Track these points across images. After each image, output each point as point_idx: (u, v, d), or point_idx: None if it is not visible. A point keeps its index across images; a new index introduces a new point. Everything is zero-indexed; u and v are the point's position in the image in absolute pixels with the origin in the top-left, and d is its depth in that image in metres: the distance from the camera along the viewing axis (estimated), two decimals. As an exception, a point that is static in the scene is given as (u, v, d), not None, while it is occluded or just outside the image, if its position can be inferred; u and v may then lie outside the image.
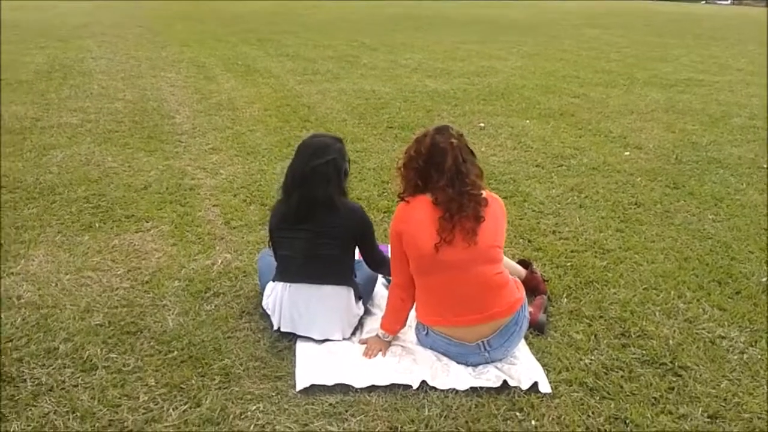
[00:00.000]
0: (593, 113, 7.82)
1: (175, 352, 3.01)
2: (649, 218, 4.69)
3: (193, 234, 4.29)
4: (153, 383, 2.80)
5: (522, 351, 3.02)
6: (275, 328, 3.14)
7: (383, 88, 9.01)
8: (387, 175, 5.46)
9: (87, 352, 3.01)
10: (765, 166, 5.90)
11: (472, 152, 2.96)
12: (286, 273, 3.12)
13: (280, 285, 3.13)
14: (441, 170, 2.86)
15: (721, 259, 4.05)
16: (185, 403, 2.68)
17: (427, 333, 2.99)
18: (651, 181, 5.47)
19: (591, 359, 3.02)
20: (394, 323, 3.08)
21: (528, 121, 7.36)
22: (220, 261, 3.90)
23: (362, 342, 3.12)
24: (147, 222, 4.45)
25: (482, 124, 7.20)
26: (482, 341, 2.89)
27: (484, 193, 2.93)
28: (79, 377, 2.84)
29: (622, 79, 10.04)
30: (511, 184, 5.31)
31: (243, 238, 4.24)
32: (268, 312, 3.20)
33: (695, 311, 3.45)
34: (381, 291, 3.49)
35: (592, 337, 3.20)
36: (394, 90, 8.95)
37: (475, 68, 10.87)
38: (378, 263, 3.31)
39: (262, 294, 3.32)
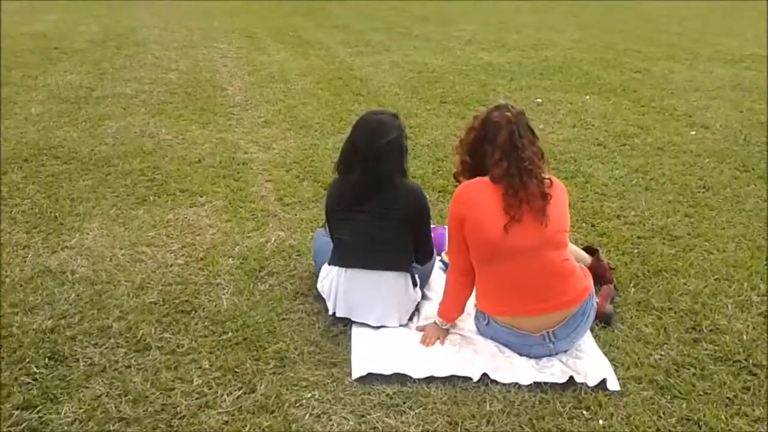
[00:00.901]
0: (656, 89, 7.49)
1: (230, 334, 2.95)
2: (719, 203, 4.45)
3: (247, 210, 4.21)
4: (207, 366, 2.75)
5: (588, 344, 2.88)
6: (330, 312, 3.05)
7: (436, 61, 8.80)
8: (442, 152, 5.31)
9: (141, 331, 2.96)
10: (841, 149, 5.56)
11: (532, 131, 2.81)
12: (344, 257, 3.01)
13: (335, 269, 3.03)
14: (494, 144, 2.73)
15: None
16: (239, 389, 2.62)
17: (488, 323, 2.87)
18: (719, 163, 5.20)
19: (661, 354, 2.86)
20: (452, 311, 2.95)
21: (588, 97, 7.09)
22: (273, 239, 3.83)
23: (419, 329, 3.01)
24: (201, 197, 4.40)
25: (539, 100, 6.96)
26: (547, 332, 2.75)
27: (546, 174, 2.78)
28: (132, 358, 2.80)
29: (685, 54, 9.62)
30: (572, 164, 5.11)
31: (296, 215, 4.15)
32: (323, 295, 3.11)
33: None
34: (438, 275, 3.36)
35: (662, 330, 3.03)
36: (447, 63, 8.73)
37: (530, 41, 10.54)
38: (427, 256, 3.18)
39: (316, 276, 3.23)
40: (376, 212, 2.94)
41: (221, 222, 4.04)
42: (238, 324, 3.01)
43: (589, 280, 2.92)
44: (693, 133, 5.98)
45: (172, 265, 3.53)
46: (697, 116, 6.48)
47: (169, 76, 7.83)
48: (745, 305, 3.24)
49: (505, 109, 2.77)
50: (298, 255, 3.65)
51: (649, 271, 3.54)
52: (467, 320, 3.01)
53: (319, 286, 3.14)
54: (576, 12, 14.67)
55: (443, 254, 3.50)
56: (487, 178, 2.77)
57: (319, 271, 3.20)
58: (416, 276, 3.09)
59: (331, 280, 3.03)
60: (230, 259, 3.59)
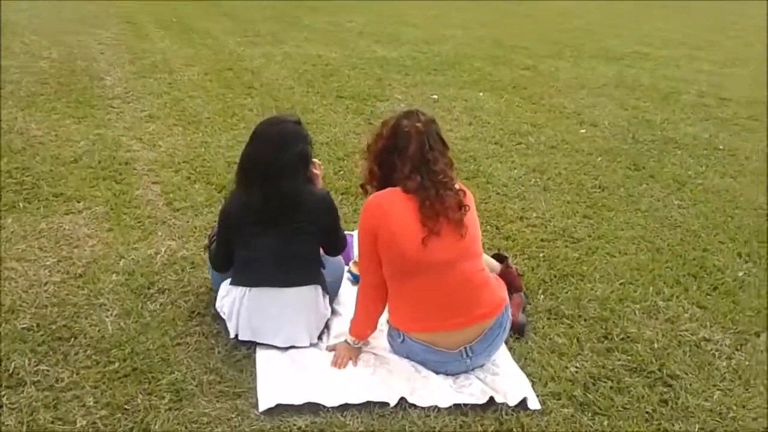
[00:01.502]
0: (545, 87, 7.58)
1: (117, 364, 2.61)
2: (614, 203, 4.48)
3: (132, 217, 3.83)
4: (92, 403, 2.41)
5: (504, 358, 2.76)
6: (232, 335, 2.77)
7: (330, 54, 8.55)
8: (342, 150, 5.10)
9: (13, 363, 2.58)
10: (721, 147, 5.79)
11: (443, 141, 2.66)
12: (248, 276, 2.74)
13: (238, 289, 2.75)
14: (403, 157, 2.57)
15: (693, 250, 3.87)
16: (130, 429, 2.31)
17: (403, 340, 2.69)
18: (611, 162, 5.28)
19: (576, 367, 2.78)
20: (364, 328, 2.75)
21: (481, 94, 7.07)
22: (163, 250, 3.49)
23: (330, 349, 2.79)
24: (78, 202, 3.97)
25: (435, 96, 6.87)
26: (465, 347, 2.60)
27: (457, 185, 2.64)
28: (4, 396, 2.43)
29: (570, 51, 9.84)
30: (471, 163, 5.03)
31: (188, 222, 3.82)
32: (223, 316, 2.82)
33: (676, 310, 3.25)
34: (347, 288, 3.16)
35: (575, 340, 2.96)
36: (342, 56, 8.50)
37: (423, 35, 10.46)
38: (339, 249, 3.00)
39: (215, 292, 2.94)
40: (286, 229, 2.69)
41: (102, 231, 3.64)
42: (126, 352, 2.68)
43: (504, 291, 2.80)
44: (583, 131, 6.06)
45: (46, 284, 3.12)
46: (585, 114, 6.59)
47: (40, 64, 7.16)
48: (652, 311, 3.23)
49: (415, 118, 2.60)
50: (192, 268, 3.33)
51: (555, 276, 3.49)
52: (380, 337, 2.82)
53: (218, 305, 2.86)
54: (468, 7, 14.76)
55: (351, 264, 3.30)
56: (398, 189, 2.58)
57: (218, 289, 2.91)
58: (326, 288, 2.87)
59: (233, 300, 2.75)
60: (114, 275, 3.22)
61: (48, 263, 3.30)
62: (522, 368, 2.74)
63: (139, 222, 3.77)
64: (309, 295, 2.78)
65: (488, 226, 4.00)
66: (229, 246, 2.81)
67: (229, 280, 2.84)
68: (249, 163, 2.74)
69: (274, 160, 2.66)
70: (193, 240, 3.60)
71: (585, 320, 3.12)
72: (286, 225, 2.69)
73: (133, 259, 3.37)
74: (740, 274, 3.62)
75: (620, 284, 3.45)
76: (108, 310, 2.94)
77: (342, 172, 4.66)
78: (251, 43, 8.99)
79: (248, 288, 2.73)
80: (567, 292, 3.34)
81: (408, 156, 2.55)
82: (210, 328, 2.86)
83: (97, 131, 5.21)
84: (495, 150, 5.39)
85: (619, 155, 5.44)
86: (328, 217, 2.81)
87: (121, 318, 2.90)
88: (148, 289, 3.13)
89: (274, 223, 2.69)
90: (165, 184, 4.31)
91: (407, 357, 2.70)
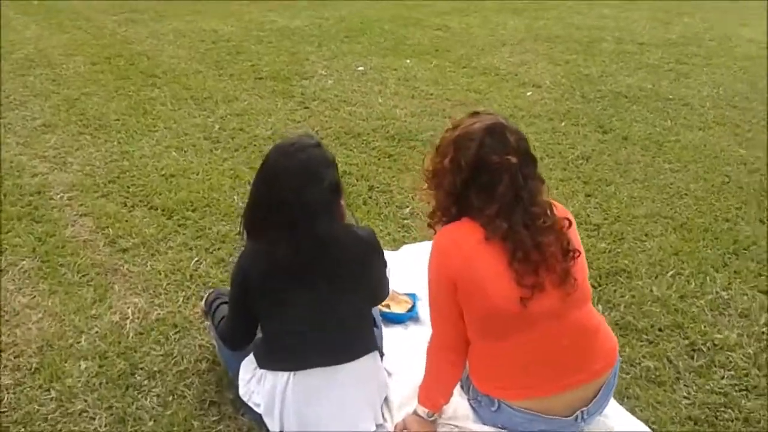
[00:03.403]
0: (467, 47, 7.03)
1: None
2: (606, 174, 4.05)
3: (72, 269, 2.96)
4: None
5: (613, 408, 2.22)
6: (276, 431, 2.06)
7: (226, 27, 7.54)
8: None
9: None
10: (671, 96, 5.51)
11: (534, 161, 2.01)
12: (288, 357, 2.02)
13: (277, 375, 2.03)
14: (490, 196, 1.91)
15: (715, 222, 3.50)
16: None
17: (497, 407, 2.08)
18: (575, 126, 4.84)
19: (686, 397, 2.31)
20: (438, 396, 2.12)
21: (408, 61, 6.41)
22: (130, 312, 2.68)
23: (400, 429, 2.15)
24: (-4, 256, 3.04)
25: (361, 68, 6.15)
26: (581, 410, 2.04)
27: (557, 209, 2.02)
28: None
29: (473, 6, 9.31)
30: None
31: (146, 265, 3.00)
32: (255, 407, 2.10)
33: (741, 300, 2.86)
34: (386, 333, 2.49)
35: (665, 361, 2.49)
36: (240, 29, 7.52)
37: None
38: (386, 296, 2.32)
39: (230, 373, 2.21)
40: (327, 286, 2.00)
41: (43, 297, 2.76)
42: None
43: (609, 328, 2.23)
44: (529, 93, 5.58)
45: (-9, 392, 2.27)
46: (521, 74, 6.11)
47: None
48: (719, 305, 2.83)
49: (504, 140, 1.92)
50: (176, 333, 2.56)
51: (600, 276, 3.00)
52: (458, 403, 2.20)
53: (242, 392, 2.13)
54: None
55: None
56: (477, 226, 1.94)
57: (233, 370, 2.18)
58: (382, 350, 2.21)
59: (272, 390, 2.03)
60: (82, 362, 2.40)
61: (-17, 358, 2.42)
62: (632, 413, 2.23)
63: (83, 275, 2.91)
64: (368, 365, 2.11)
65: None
66: (249, 316, 2.08)
67: (249, 359, 2.12)
68: (267, 206, 2.00)
69: (302, 200, 1.95)
70: (164, 292, 2.80)
71: (660, 330, 2.66)
72: (327, 281, 2.00)
73: (97, 332, 2.55)
74: (776, 244, 3.29)
75: (671, 277, 3.01)
76: (93, 420, 2.14)
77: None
78: (131, 21, 7.79)
79: (291, 372, 2.02)
80: (623, 296, 2.86)
81: (496, 196, 1.90)
82: (237, 424, 2.14)
83: (-16, 152, 4.15)
84: (454, 125, 4.80)
85: (579, 117, 5.01)
86: (378, 263, 2.13)
87: (114, 427, 2.11)
88: (133, 375, 2.34)
89: (311, 280, 1.98)
90: (97, 216, 3.41)
91: (503, 427, 2.11)
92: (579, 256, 1.95)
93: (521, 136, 1.97)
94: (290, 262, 1.96)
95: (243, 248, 2.09)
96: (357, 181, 3.92)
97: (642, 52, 6.94)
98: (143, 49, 6.56)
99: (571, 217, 2.03)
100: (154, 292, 2.81)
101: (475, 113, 2.03)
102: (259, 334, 2.12)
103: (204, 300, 2.38)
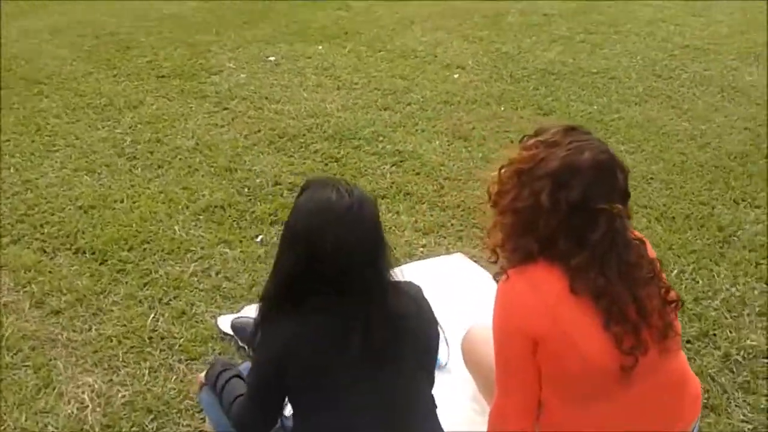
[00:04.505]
0: (376, 27, 6.61)
1: None
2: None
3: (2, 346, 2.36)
4: None
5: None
6: None
7: (107, 18, 6.69)
8: (223, 157, 3.80)
9: None
10: (594, 70, 5.38)
11: (629, 197, 1.64)
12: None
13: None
14: (581, 242, 1.56)
15: (694, 207, 3.36)
16: None
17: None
18: (516, 110, 4.60)
19: (744, 421, 2.10)
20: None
21: (320, 47, 5.93)
22: (87, 398, 2.14)
23: None
24: None
25: (272, 57, 5.61)
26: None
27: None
28: None
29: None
30: (386, 143, 4.03)
31: (91, 330, 2.45)
32: None
33: (754, 296, 2.71)
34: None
35: (709, 380, 2.27)
36: (122, 19, 6.69)
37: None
38: None
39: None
40: (396, 363, 1.59)
41: (-31, 392, 2.16)
42: None
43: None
44: (456, 76, 5.28)
45: None
46: (441, 55, 5.78)
47: None
48: (741, 305, 2.65)
49: (611, 183, 1.55)
50: (153, 420, 2.08)
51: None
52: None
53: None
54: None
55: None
56: (559, 270, 1.60)
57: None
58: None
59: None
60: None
61: None
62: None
63: (16, 352, 2.32)
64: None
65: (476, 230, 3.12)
66: (280, 401, 1.64)
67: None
68: (300, 265, 1.55)
69: (357, 265, 1.53)
70: (120, 365, 2.27)
71: (689, 342, 2.44)
72: (397, 357, 1.59)
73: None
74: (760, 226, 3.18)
75: (676, 276, 2.83)
76: None
77: (248, 191, 3.42)
78: (-7, 18, 6.79)
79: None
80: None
81: (588, 244, 1.55)
82: None
83: None
84: (391, 118, 4.42)
85: (515, 101, 4.77)
86: (436, 324, 1.74)
87: None
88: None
89: (378, 359, 1.57)
90: (13, 267, 2.79)
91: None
92: (678, 306, 1.65)
93: (626, 173, 1.61)
94: (345, 334, 1.53)
95: (268, 316, 1.62)
96: (310, 193, 3.47)
97: (549, 23, 6.79)
98: (18, 52, 5.68)
99: (649, 247, 1.72)
100: (109, 366, 2.28)
101: (571, 129, 1.63)
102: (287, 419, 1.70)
103: (205, 373, 1.89)
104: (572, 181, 1.54)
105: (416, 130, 4.24)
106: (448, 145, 4.03)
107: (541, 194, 1.55)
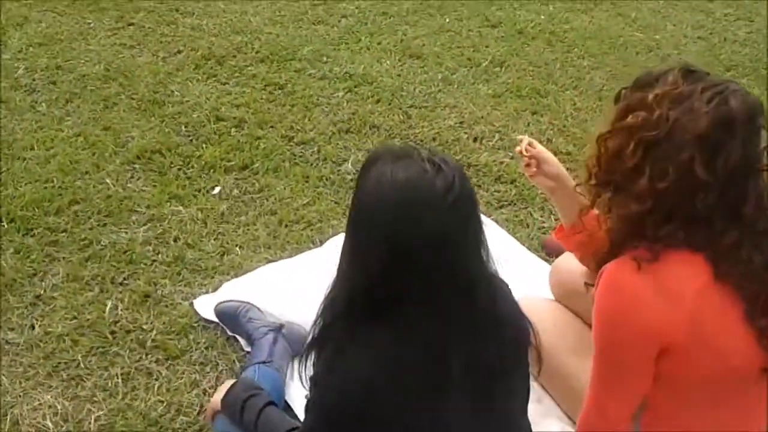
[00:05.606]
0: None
1: None
2: (533, 82, 3.46)
3: None
4: None
5: None
6: None
7: None
8: (141, 86, 3.18)
9: None
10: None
11: None
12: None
13: None
14: (734, 218, 1.25)
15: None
16: None
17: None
18: (459, 20, 4.15)
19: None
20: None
21: None
22: (51, 424, 1.67)
23: None
24: None
25: None
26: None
27: None
28: None
29: None
30: (332, 65, 3.52)
31: (34, 328, 1.92)
32: None
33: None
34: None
35: None
36: None
37: None
38: None
39: None
40: (489, 385, 1.25)
41: None
42: None
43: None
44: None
45: None
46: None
47: None
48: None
49: (759, 134, 1.23)
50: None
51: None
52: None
53: None
54: None
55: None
56: (700, 256, 1.29)
57: None
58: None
59: None
60: None
61: None
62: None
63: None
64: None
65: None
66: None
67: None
68: (398, 284, 1.15)
69: (461, 258, 1.15)
70: (85, 375, 1.80)
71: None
72: (491, 378, 1.25)
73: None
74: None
75: None
76: None
77: (187, 130, 2.87)
78: None
79: None
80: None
81: (741, 219, 1.23)
82: None
83: None
84: (329, 34, 3.87)
85: (458, 10, 4.34)
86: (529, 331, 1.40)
87: None
88: None
89: (470, 384, 1.22)
90: None
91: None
92: None
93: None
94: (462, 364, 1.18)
95: (334, 343, 1.22)
96: (261, 129, 2.96)
97: None
98: None
99: None
100: (68, 376, 1.80)
101: (689, 72, 1.27)
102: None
103: (223, 398, 1.48)
104: (730, 141, 1.21)
105: (360, 48, 3.74)
106: (401, 66, 3.58)
107: (694, 165, 1.21)
